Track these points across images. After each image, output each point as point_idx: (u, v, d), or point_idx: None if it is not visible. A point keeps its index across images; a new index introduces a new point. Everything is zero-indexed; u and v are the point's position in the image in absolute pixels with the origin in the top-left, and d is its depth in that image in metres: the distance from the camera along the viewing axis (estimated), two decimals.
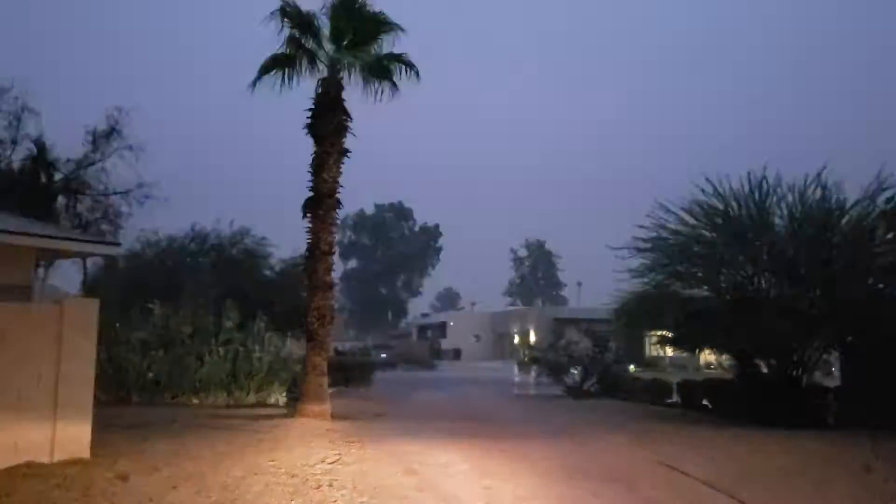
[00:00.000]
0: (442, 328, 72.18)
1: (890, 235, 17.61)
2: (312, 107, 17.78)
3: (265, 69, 18.16)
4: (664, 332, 22.06)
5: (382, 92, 18.59)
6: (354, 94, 18.49)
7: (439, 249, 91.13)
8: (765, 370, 19.30)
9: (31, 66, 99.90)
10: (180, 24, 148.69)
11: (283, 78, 18.22)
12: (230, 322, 20.31)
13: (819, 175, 17.99)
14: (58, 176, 28.87)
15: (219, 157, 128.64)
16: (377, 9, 18.17)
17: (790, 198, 18.46)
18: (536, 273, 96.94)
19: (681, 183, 20.11)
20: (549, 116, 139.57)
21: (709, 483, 9.80)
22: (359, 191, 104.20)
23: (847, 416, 16.06)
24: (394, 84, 18.62)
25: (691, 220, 19.64)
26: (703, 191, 19.19)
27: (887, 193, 17.24)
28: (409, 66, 18.58)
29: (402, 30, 18.37)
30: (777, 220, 18.88)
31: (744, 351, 19.46)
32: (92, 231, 28.58)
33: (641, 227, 20.05)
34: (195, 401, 19.32)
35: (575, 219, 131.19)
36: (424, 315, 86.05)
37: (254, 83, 18.15)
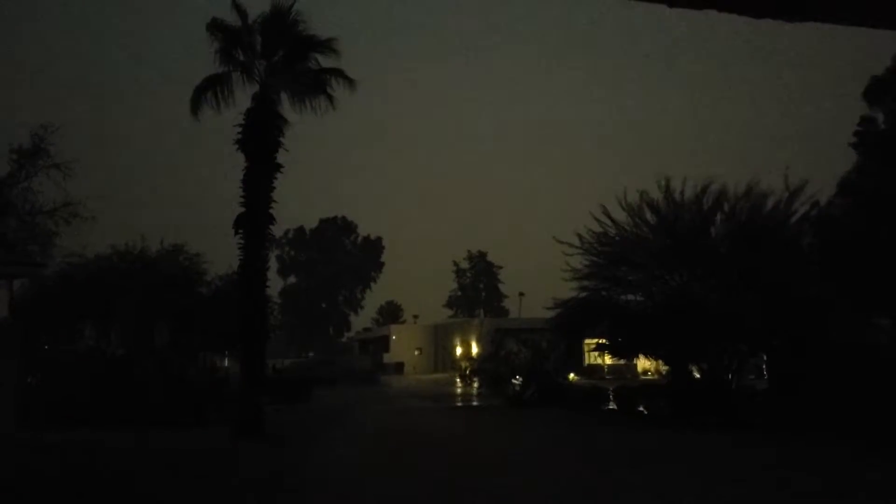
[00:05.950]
0: (385, 342, 71.76)
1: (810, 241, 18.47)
2: (243, 122, 17.62)
3: (200, 91, 17.95)
4: (601, 340, 22.49)
5: (319, 106, 18.41)
6: (296, 110, 18.31)
7: (382, 264, 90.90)
8: (697, 375, 19.83)
9: None
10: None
11: (217, 96, 17.98)
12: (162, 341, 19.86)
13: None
14: None
15: (168, 172, 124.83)
16: (310, 31, 18.10)
17: (727, 207, 19.27)
18: (478, 284, 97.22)
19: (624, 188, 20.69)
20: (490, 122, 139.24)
21: None
22: (302, 206, 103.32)
23: (773, 417, 16.53)
24: (329, 98, 18.44)
25: (636, 220, 20.21)
26: (658, 184, 19.77)
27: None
28: (347, 80, 18.39)
29: (336, 52, 18.31)
30: (715, 228, 19.63)
31: (677, 356, 19.99)
32: (18, 252, 27.55)
33: (595, 218, 20.57)
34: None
35: (516, 231, 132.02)
36: (367, 329, 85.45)
37: (192, 107, 17.92)
